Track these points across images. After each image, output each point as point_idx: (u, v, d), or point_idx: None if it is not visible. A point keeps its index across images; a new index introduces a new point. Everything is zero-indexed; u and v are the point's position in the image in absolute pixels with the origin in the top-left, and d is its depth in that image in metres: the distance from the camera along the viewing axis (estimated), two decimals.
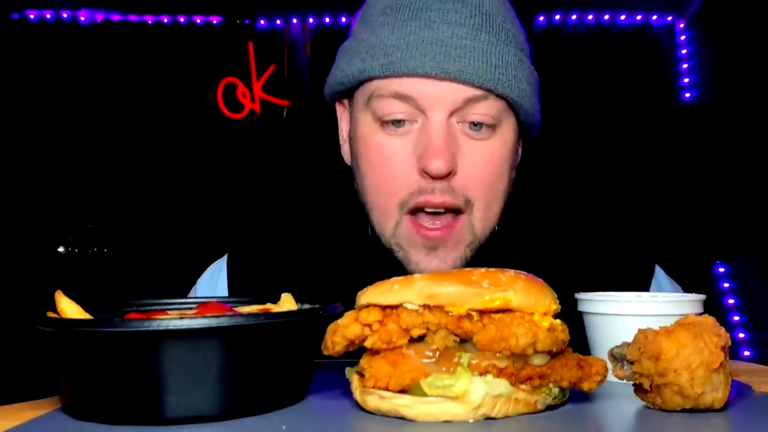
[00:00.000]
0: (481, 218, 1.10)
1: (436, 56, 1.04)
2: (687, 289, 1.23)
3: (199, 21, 4.30)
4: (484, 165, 1.09)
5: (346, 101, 1.20)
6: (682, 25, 4.39)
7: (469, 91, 1.06)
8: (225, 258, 1.34)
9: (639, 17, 4.37)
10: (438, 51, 1.04)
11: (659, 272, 1.29)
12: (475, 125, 1.08)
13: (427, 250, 1.10)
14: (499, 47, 1.08)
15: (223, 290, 1.29)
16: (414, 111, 1.07)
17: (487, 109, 1.07)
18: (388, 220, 1.11)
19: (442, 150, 1.05)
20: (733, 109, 4.07)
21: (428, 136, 1.06)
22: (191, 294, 1.33)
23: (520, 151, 1.22)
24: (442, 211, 1.09)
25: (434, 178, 1.06)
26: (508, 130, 1.12)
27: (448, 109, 1.06)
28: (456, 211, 1.09)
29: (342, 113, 1.22)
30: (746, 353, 3.85)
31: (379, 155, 1.10)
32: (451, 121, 1.07)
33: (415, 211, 1.09)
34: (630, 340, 0.78)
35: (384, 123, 1.09)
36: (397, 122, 1.08)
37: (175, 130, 4.17)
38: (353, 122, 1.16)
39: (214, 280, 1.32)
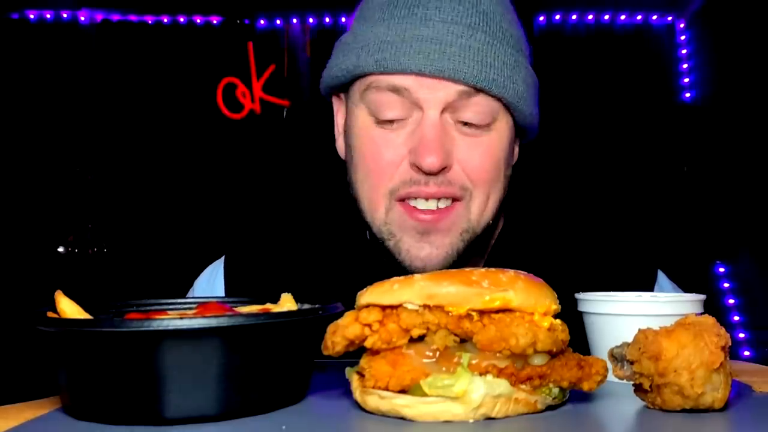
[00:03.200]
0: (478, 207, 1.10)
1: (430, 54, 1.04)
2: (687, 289, 1.23)
3: (199, 21, 4.30)
4: (480, 157, 1.08)
5: (342, 95, 1.20)
6: (682, 25, 4.39)
7: (462, 96, 1.06)
8: (222, 259, 1.34)
9: (639, 17, 4.37)
10: (433, 49, 1.04)
11: (662, 277, 1.28)
12: (469, 125, 1.07)
13: (419, 235, 1.09)
14: (495, 47, 1.07)
15: (220, 291, 1.29)
16: (409, 105, 1.07)
17: (481, 106, 1.07)
18: (379, 207, 1.10)
19: (436, 146, 1.04)
20: (733, 109, 4.07)
21: (422, 131, 1.06)
22: (189, 295, 1.33)
23: (516, 152, 1.21)
24: (433, 206, 1.08)
25: (427, 173, 1.05)
26: (503, 127, 1.11)
27: (441, 104, 1.05)
28: (452, 199, 1.09)
29: (338, 107, 1.22)
30: (746, 353, 3.85)
31: (371, 146, 1.10)
32: (444, 116, 1.07)
33: (404, 200, 1.08)
34: (630, 340, 0.78)
35: (378, 120, 1.09)
36: (389, 122, 1.08)
37: (175, 130, 4.17)
38: (349, 115, 1.16)
39: (211, 281, 1.32)
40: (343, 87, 1.17)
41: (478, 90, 1.05)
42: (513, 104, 1.09)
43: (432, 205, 1.08)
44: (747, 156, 4.03)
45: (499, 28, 1.09)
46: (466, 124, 1.07)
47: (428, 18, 1.06)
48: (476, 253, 1.20)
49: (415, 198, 1.08)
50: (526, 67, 1.12)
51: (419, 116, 1.07)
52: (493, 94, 1.06)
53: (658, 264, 1.30)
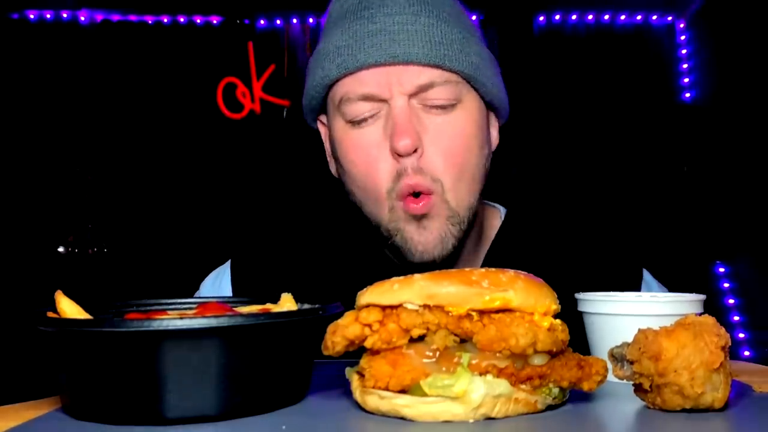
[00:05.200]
0: (453, 195, 1.13)
1: (381, 44, 1.10)
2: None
3: (199, 21, 4.30)
4: (449, 138, 1.13)
5: (324, 118, 1.25)
6: (682, 25, 4.39)
7: (419, 78, 1.11)
8: (226, 264, 1.35)
9: (639, 17, 4.37)
10: (382, 40, 1.11)
11: (647, 277, 1.30)
12: (435, 107, 1.12)
13: (417, 222, 1.13)
14: (440, 27, 1.12)
15: (227, 293, 1.30)
16: (378, 104, 1.13)
17: (442, 92, 1.12)
18: (382, 208, 1.14)
19: (406, 128, 1.10)
20: (733, 109, 4.07)
21: (393, 119, 1.11)
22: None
23: (495, 135, 1.24)
24: (419, 193, 1.13)
25: (402, 156, 1.10)
26: (470, 104, 1.15)
27: (404, 92, 1.11)
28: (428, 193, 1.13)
29: (324, 132, 1.27)
30: (746, 353, 3.85)
31: (356, 149, 1.15)
32: (411, 102, 1.12)
33: (401, 197, 1.13)
34: (630, 340, 0.78)
35: (354, 123, 1.14)
36: (365, 120, 1.14)
37: (175, 130, 4.17)
38: (330, 132, 1.21)
39: (217, 285, 1.32)
40: (322, 108, 1.23)
41: (433, 80, 1.11)
42: (471, 76, 1.14)
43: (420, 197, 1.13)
44: (747, 156, 4.03)
45: (442, 11, 1.14)
46: (433, 107, 1.12)
47: (374, 15, 1.13)
48: (476, 246, 1.25)
49: (407, 193, 1.13)
50: (477, 43, 1.17)
51: (388, 108, 1.12)
52: (448, 68, 1.11)
53: (646, 264, 1.31)
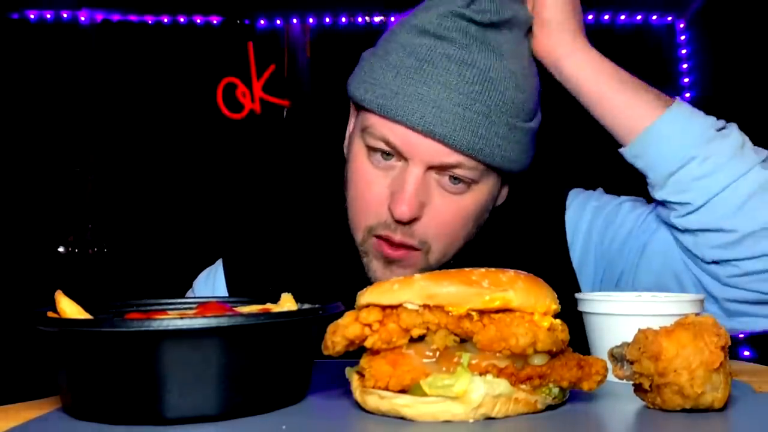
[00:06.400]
0: (436, 257, 1.16)
1: (425, 116, 1.08)
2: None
3: (199, 21, 4.30)
4: (448, 219, 1.14)
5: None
6: (682, 25, 4.39)
7: (448, 157, 1.10)
8: (218, 262, 1.35)
9: (639, 17, 4.37)
10: (428, 111, 1.08)
11: (572, 194, 1.31)
12: (453, 179, 1.13)
13: (386, 263, 1.16)
14: (491, 118, 1.10)
15: (221, 292, 1.29)
16: (398, 155, 1.12)
17: (465, 172, 1.12)
18: (358, 233, 1.18)
19: (410, 199, 1.10)
20: (732, 109, 4.06)
21: (403, 182, 1.11)
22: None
23: (504, 191, 1.24)
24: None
25: (397, 221, 1.11)
26: (485, 187, 1.16)
27: (426, 163, 1.10)
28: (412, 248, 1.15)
29: (353, 111, 1.25)
30: (746, 353, 3.85)
31: (361, 180, 1.16)
32: (428, 173, 1.12)
33: (380, 239, 1.16)
34: (630, 340, 0.78)
35: (372, 150, 1.14)
36: (385, 154, 1.13)
37: (175, 130, 4.17)
38: (353, 131, 1.21)
39: (210, 282, 1.32)
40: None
41: (465, 158, 1.10)
42: (499, 168, 1.14)
43: (397, 248, 1.15)
44: None
45: (501, 98, 1.11)
46: (448, 180, 1.13)
47: (431, 78, 1.09)
48: None
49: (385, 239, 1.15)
50: (523, 128, 1.15)
51: (405, 166, 1.12)
52: (479, 160, 1.11)
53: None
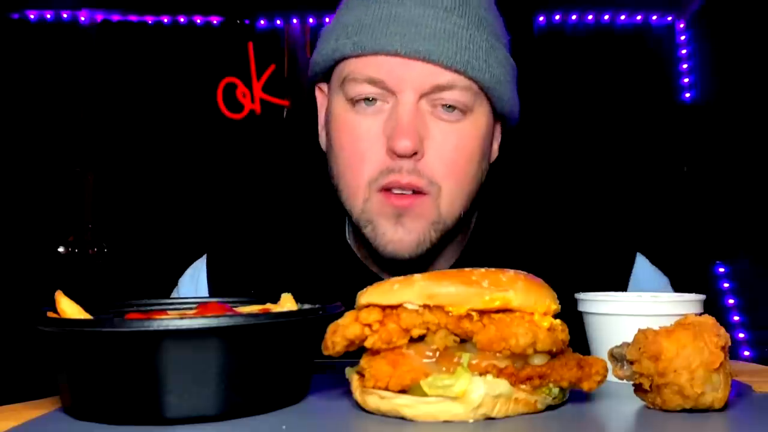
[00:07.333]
0: (447, 203, 1.10)
1: (406, 35, 1.05)
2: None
3: (199, 21, 4.30)
4: (452, 149, 1.08)
5: (325, 87, 1.20)
6: (682, 25, 4.39)
7: (438, 78, 1.06)
8: (203, 258, 1.32)
9: (639, 17, 4.37)
10: (407, 30, 1.05)
11: (641, 261, 1.27)
12: (447, 107, 1.08)
13: (395, 218, 1.09)
14: (470, 31, 1.08)
15: (204, 290, 1.28)
16: (385, 93, 1.08)
17: (456, 97, 1.08)
18: (358, 197, 1.11)
19: (409, 129, 1.05)
20: (733, 109, 4.07)
21: (397, 116, 1.06)
22: (174, 294, 1.32)
23: (497, 140, 1.21)
24: (409, 192, 1.09)
25: (400, 156, 1.06)
26: (480, 116, 1.11)
27: (417, 91, 1.06)
28: (421, 193, 1.09)
29: (321, 100, 1.22)
30: (746, 353, 3.85)
31: (350, 135, 1.10)
32: (420, 103, 1.07)
33: (384, 189, 1.09)
34: (630, 340, 0.78)
35: (356, 102, 1.09)
36: (368, 100, 1.09)
37: (175, 130, 4.17)
38: (328, 105, 1.17)
39: (194, 280, 1.31)
40: (325, 76, 1.18)
41: (453, 81, 1.06)
42: (490, 88, 1.10)
43: (407, 192, 1.09)
44: (747, 156, 4.03)
45: (476, 14, 1.10)
46: (443, 107, 1.08)
47: (404, 0, 1.07)
48: (449, 242, 1.20)
49: (391, 189, 1.09)
50: (503, 53, 1.13)
51: (395, 102, 1.08)
52: (469, 76, 1.07)
53: (639, 248, 1.28)
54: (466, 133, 1.10)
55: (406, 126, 1.05)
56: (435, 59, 1.05)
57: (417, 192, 1.08)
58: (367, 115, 1.09)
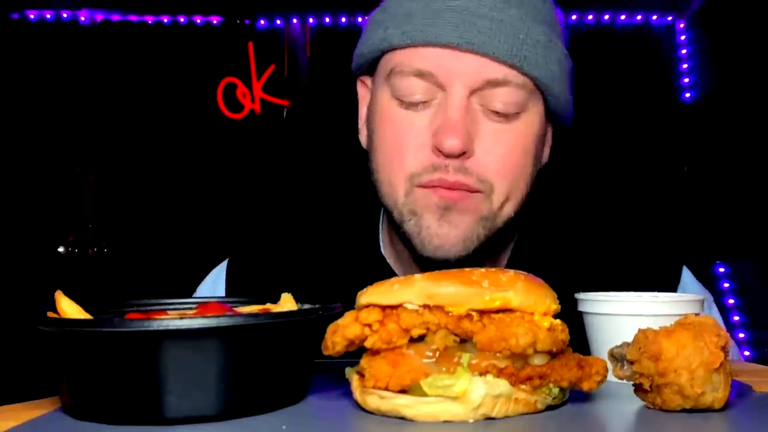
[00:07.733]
0: (499, 199, 1.03)
1: (459, 25, 0.98)
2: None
3: (199, 21, 4.30)
4: (505, 151, 1.02)
5: (368, 80, 1.15)
6: (682, 25, 4.39)
7: (492, 72, 0.99)
8: (225, 262, 1.32)
9: (639, 17, 4.37)
10: (462, 20, 0.98)
11: (686, 275, 1.22)
12: (496, 112, 1.01)
13: (441, 212, 1.02)
14: (527, 23, 1.00)
15: (222, 293, 1.29)
16: (433, 88, 1.01)
17: (509, 95, 1.01)
18: (398, 190, 1.04)
19: (458, 127, 0.98)
20: (733, 109, 4.07)
21: (445, 111, 0.99)
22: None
23: (549, 143, 1.15)
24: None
25: (447, 156, 0.99)
26: (534, 116, 1.05)
27: (468, 86, 0.99)
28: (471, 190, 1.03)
29: (363, 93, 1.16)
30: (746, 353, 3.85)
31: (393, 128, 1.04)
32: (471, 100, 1.00)
33: (427, 186, 1.03)
34: (630, 340, 0.78)
35: (401, 101, 1.04)
36: (414, 104, 1.03)
37: (175, 130, 4.17)
38: (372, 99, 1.11)
39: (215, 285, 1.31)
40: (370, 68, 1.12)
41: (506, 78, 1.00)
42: (545, 85, 1.03)
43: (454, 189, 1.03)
44: (747, 156, 4.03)
45: (533, 6, 1.03)
46: (494, 111, 1.02)
47: None
48: (497, 252, 1.15)
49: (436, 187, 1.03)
50: (561, 48, 1.07)
51: (444, 97, 1.01)
52: (524, 72, 1.01)
53: (683, 261, 1.24)
54: (519, 133, 1.03)
55: (454, 123, 0.99)
56: (489, 52, 0.98)
57: (466, 191, 1.02)
58: (416, 111, 1.03)
